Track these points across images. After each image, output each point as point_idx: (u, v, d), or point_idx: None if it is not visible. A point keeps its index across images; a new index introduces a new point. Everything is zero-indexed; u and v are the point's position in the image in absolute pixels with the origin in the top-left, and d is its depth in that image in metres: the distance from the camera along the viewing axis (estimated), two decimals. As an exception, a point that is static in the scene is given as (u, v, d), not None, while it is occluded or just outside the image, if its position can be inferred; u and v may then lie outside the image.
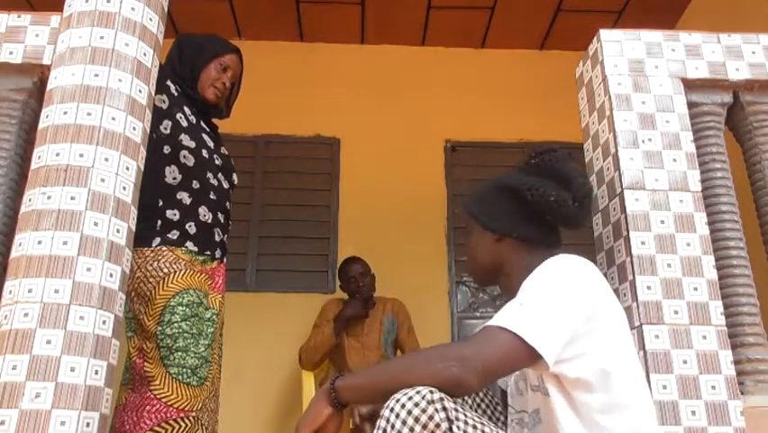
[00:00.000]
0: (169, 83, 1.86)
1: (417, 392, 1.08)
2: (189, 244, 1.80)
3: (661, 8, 3.91)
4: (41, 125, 1.47)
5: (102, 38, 1.48)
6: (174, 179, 1.81)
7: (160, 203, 1.79)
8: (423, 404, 1.06)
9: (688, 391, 1.46)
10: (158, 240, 1.77)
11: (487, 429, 1.10)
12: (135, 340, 1.75)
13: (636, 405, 1.22)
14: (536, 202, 1.34)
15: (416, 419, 1.05)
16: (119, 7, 1.51)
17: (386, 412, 1.09)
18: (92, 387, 1.30)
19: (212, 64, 1.94)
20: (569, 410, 1.20)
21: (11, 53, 1.63)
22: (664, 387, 1.45)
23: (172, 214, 1.79)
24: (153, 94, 1.57)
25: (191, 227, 1.81)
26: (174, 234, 1.78)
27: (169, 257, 1.76)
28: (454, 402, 1.10)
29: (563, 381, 1.20)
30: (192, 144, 1.84)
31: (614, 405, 1.19)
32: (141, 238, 1.69)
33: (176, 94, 1.87)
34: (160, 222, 1.78)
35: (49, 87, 1.50)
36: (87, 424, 1.28)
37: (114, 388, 1.41)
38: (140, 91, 1.50)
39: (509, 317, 1.17)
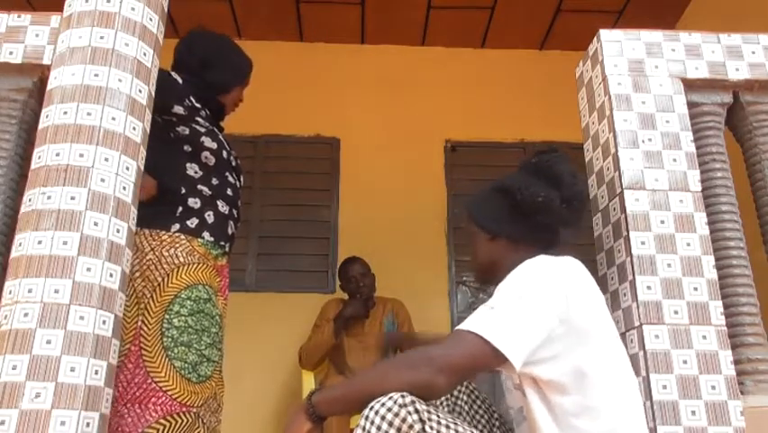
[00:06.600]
0: (183, 96, 1.88)
1: (390, 398, 1.12)
2: (206, 235, 1.82)
3: (661, 8, 3.91)
4: (41, 125, 1.46)
5: (102, 38, 1.48)
6: (195, 173, 1.86)
7: (183, 190, 1.82)
8: (395, 408, 1.10)
9: (688, 391, 1.45)
10: (177, 226, 1.78)
11: (460, 429, 1.14)
12: (131, 324, 1.66)
13: (613, 407, 1.23)
14: (524, 202, 1.39)
15: (390, 424, 1.09)
16: (119, 7, 1.51)
17: (362, 421, 1.12)
18: (92, 387, 1.30)
19: (241, 87, 2.06)
20: (544, 411, 1.23)
21: (11, 53, 1.63)
22: (664, 387, 1.45)
23: (194, 202, 1.82)
24: (153, 94, 1.58)
25: (210, 216, 1.84)
26: (192, 223, 1.80)
27: (186, 247, 1.77)
28: (427, 405, 1.14)
29: (538, 381, 1.23)
30: (214, 146, 1.89)
31: (588, 407, 1.21)
32: (158, 220, 1.72)
33: (190, 105, 1.90)
34: (180, 208, 1.80)
35: (49, 87, 1.50)
36: (87, 424, 1.28)
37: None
38: (140, 91, 1.50)
39: (478, 320, 1.21)
